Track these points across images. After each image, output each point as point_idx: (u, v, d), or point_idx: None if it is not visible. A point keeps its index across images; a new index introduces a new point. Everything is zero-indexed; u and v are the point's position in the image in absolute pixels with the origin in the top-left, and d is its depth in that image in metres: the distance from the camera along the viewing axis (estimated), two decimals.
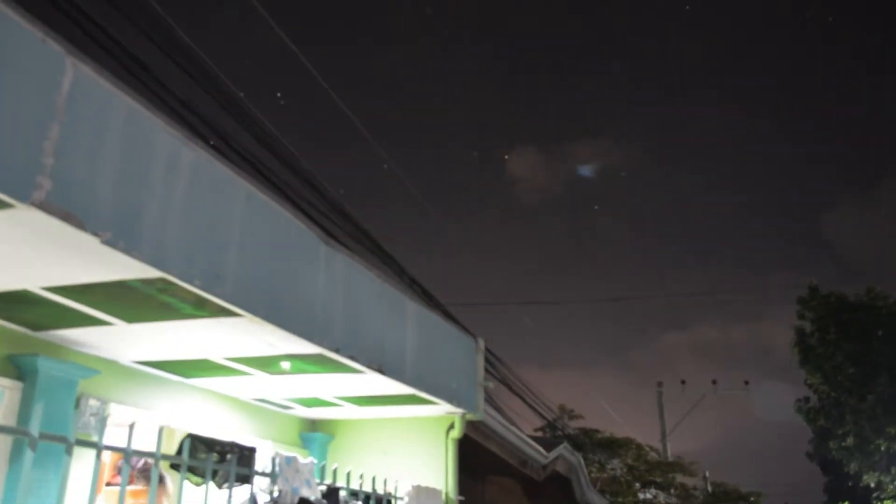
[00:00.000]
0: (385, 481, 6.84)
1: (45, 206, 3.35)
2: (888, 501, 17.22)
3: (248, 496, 5.33)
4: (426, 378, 7.03)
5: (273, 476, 5.35)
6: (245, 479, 5.24)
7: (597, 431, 22.04)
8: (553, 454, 12.31)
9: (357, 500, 6.43)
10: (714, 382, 26.66)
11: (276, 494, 5.29)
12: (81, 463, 5.04)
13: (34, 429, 3.32)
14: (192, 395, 7.00)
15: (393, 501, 6.93)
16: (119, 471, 5.86)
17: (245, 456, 5.52)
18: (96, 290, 4.48)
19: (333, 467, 6.58)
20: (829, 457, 20.24)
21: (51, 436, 3.48)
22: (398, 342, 6.63)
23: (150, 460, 4.35)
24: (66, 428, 3.53)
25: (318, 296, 5.49)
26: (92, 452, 3.72)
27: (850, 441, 17.01)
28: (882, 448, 16.54)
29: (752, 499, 24.81)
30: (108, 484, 5.98)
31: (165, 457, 4.25)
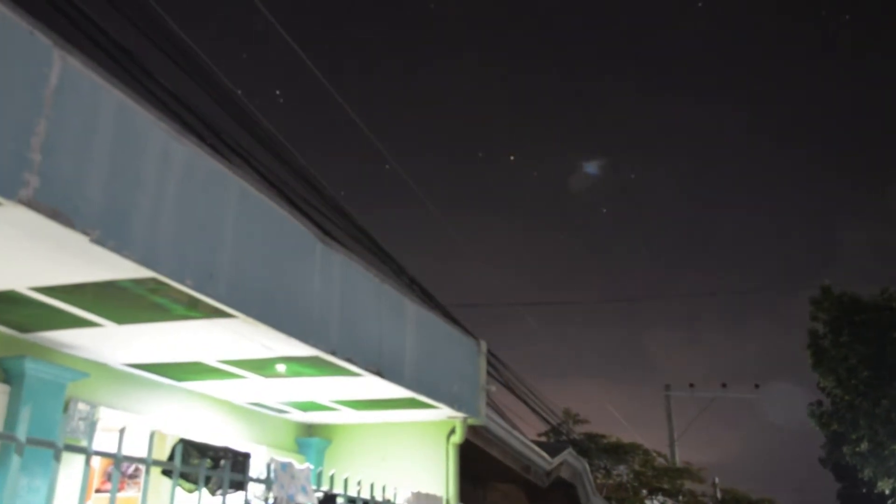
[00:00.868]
0: (384, 488, 6.84)
1: (33, 204, 3.35)
2: None
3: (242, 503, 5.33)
4: (426, 381, 7.03)
5: (268, 482, 5.35)
6: (239, 485, 5.24)
7: (603, 436, 22.04)
8: (557, 460, 12.31)
9: None
10: (724, 385, 26.65)
11: (271, 501, 5.29)
12: (70, 469, 5.04)
13: (21, 433, 3.32)
14: (185, 399, 7.00)
15: None
16: (109, 477, 5.86)
17: (239, 462, 5.52)
18: (85, 291, 4.48)
19: (330, 473, 6.58)
20: (843, 462, 20.23)
21: (38, 441, 3.48)
22: (397, 344, 6.62)
23: (141, 466, 4.34)
24: (54, 433, 3.53)
25: (315, 296, 5.49)
26: (81, 458, 3.71)
27: (864, 446, 16.99)
28: None
29: None
30: (98, 490, 5.98)
31: (157, 462, 4.25)
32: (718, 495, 25.55)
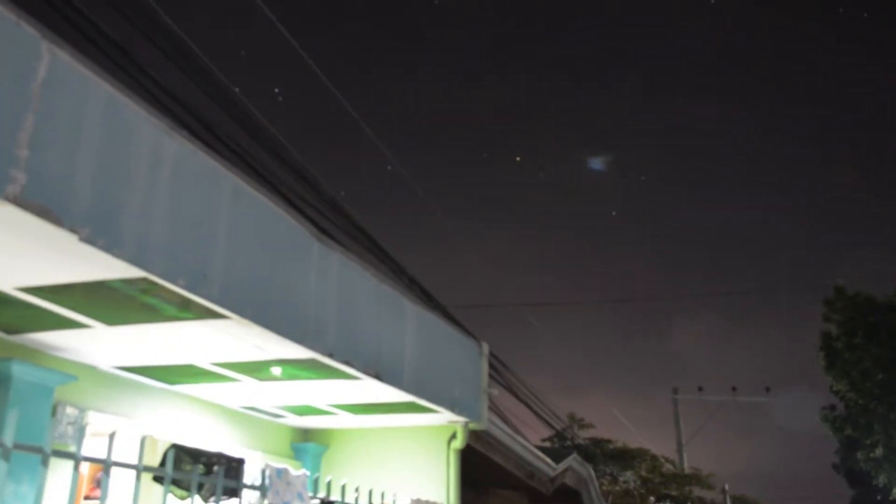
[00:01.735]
0: (382, 495, 6.84)
1: (20, 201, 3.35)
2: None
3: None
4: (426, 384, 7.03)
5: (263, 489, 5.35)
6: (233, 492, 5.24)
7: (608, 441, 22.07)
8: (562, 466, 12.32)
9: None
10: (734, 389, 26.68)
11: None
12: (58, 475, 5.05)
13: (8, 438, 3.32)
14: (177, 403, 7.00)
15: None
16: (98, 483, 5.87)
17: (233, 468, 5.52)
18: (74, 291, 4.48)
19: (327, 480, 6.58)
20: (857, 468, 20.23)
21: (25, 446, 3.48)
22: (396, 346, 6.63)
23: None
24: (41, 437, 3.53)
25: (311, 296, 5.50)
26: (69, 464, 3.72)
27: (878, 451, 16.99)
28: None
29: None
30: (87, 497, 5.99)
31: (148, 469, 4.25)
32: (728, 502, 25.56)
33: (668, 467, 22.61)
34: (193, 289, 4.35)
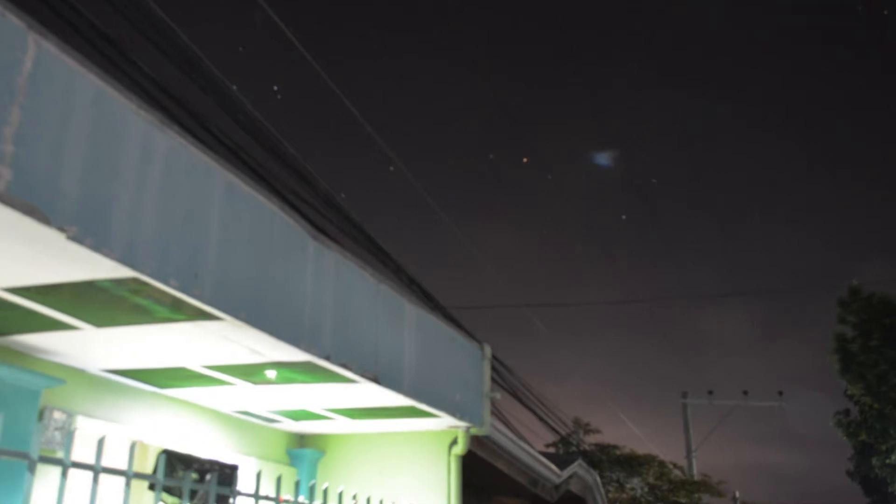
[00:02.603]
0: (381, 502, 6.84)
1: (5, 199, 3.35)
2: None
3: None
4: (426, 388, 7.03)
5: (257, 497, 5.34)
6: (226, 499, 5.24)
7: (615, 447, 22.09)
8: (567, 472, 12.32)
9: None
10: (745, 393, 26.67)
11: None
12: (45, 482, 5.05)
13: None
14: (168, 408, 7.00)
15: None
16: None
17: (226, 474, 5.53)
18: (61, 291, 4.48)
19: (324, 487, 6.58)
20: (872, 475, 20.23)
21: (11, 452, 3.48)
22: (395, 349, 6.63)
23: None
24: (27, 443, 3.53)
25: (307, 297, 5.49)
26: (57, 471, 3.71)
27: (894, 458, 17.00)
28: None
29: None
30: None
31: (138, 475, 4.25)
32: None
33: (676, 474, 22.60)
34: (185, 289, 4.34)
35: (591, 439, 22.52)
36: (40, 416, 5.62)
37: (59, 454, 3.97)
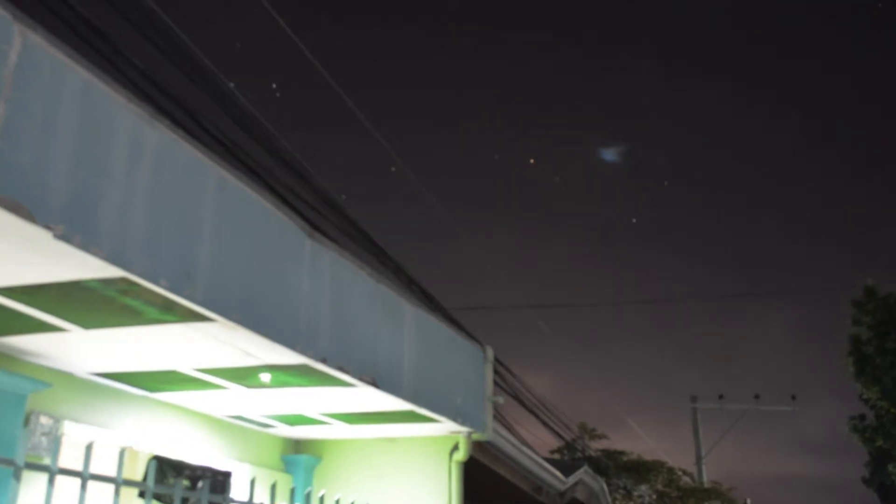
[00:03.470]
0: None
1: None
2: None
3: None
4: (426, 392, 7.03)
5: None
6: None
7: (622, 453, 22.06)
8: (572, 479, 12.33)
9: None
10: (756, 397, 26.65)
11: None
12: (31, 489, 5.04)
13: None
14: (159, 412, 7.00)
15: None
16: None
17: (219, 481, 5.53)
18: (48, 292, 4.48)
19: (320, 494, 6.58)
20: (888, 482, 20.22)
21: None
22: (394, 351, 6.63)
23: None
24: (13, 449, 3.53)
25: (303, 298, 5.49)
26: (44, 478, 3.71)
27: None
28: None
29: None
30: None
31: (128, 483, 4.25)
32: None
33: (686, 480, 22.59)
34: (176, 289, 4.35)
35: (597, 445, 22.53)
36: (26, 421, 5.62)
37: (46, 461, 3.98)
